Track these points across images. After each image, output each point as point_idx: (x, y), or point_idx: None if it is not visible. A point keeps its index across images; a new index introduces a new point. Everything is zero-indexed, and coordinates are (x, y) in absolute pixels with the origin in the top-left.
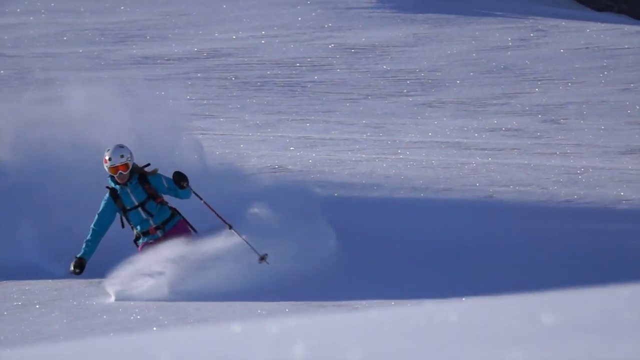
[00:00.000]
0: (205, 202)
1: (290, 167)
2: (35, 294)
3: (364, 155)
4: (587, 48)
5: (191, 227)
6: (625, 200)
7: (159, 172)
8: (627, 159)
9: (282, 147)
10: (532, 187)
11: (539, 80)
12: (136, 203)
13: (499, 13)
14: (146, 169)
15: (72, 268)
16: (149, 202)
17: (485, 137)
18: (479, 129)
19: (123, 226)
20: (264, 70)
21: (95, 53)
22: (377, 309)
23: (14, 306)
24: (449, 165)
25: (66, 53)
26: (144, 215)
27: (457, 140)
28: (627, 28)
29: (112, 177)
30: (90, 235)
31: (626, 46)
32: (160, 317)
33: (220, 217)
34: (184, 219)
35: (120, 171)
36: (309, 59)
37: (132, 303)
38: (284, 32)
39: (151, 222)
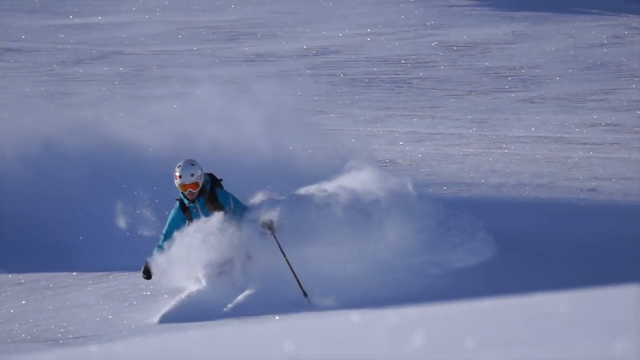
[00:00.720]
0: (287, 260)
1: (400, 161)
2: (163, 284)
3: (470, 150)
4: None
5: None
6: None
7: (228, 193)
8: None
9: (391, 141)
10: (634, 181)
11: (635, 76)
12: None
13: (594, 11)
14: (214, 186)
15: (142, 273)
16: None
17: (586, 132)
18: (580, 124)
19: None
20: (370, 67)
21: (209, 51)
22: (494, 300)
23: (142, 296)
24: (552, 159)
25: (181, 51)
26: None
27: (558, 135)
28: None
29: (182, 193)
30: (162, 241)
31: None
32: (279, 306)
33: (299, 283)
34: None
35: (189, 189)
36: (413, 56)
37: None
38: (389, 30)
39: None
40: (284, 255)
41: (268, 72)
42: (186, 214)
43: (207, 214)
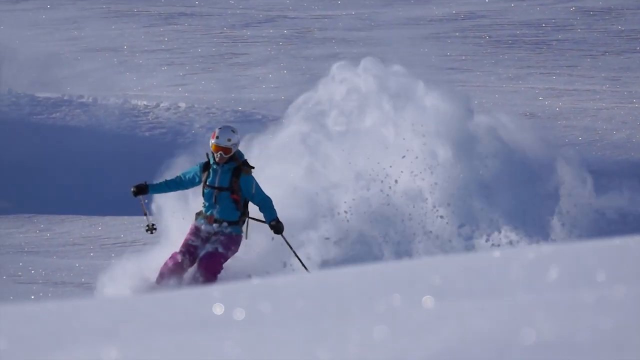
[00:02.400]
0: (294, 252)
1: (539, 114)
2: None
3: (603, 104)
4: None
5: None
6: None
7: (253, 175)
8: None
9: (531, 97)
10: None
11: None
12: (216, 185)
13: None
14: (245, 166)
15: (132, 187)
16: (224, 192)
17: None
18: None
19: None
20: (514, 30)
21: (366, 15)
22: (622, 238)
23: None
24: None
25: (340, 15)
26: (214, 200)
27: None
28: None
29: (212, 153)
30: (172, 179)
31: None
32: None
33: (302, 262)
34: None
35: (221, 152)
36: (553, 20)
37: None
38: None
39: (214, 211)
40: (297, 256)
41: (420, 34)
42: (204, 173)
43: (221, 183)
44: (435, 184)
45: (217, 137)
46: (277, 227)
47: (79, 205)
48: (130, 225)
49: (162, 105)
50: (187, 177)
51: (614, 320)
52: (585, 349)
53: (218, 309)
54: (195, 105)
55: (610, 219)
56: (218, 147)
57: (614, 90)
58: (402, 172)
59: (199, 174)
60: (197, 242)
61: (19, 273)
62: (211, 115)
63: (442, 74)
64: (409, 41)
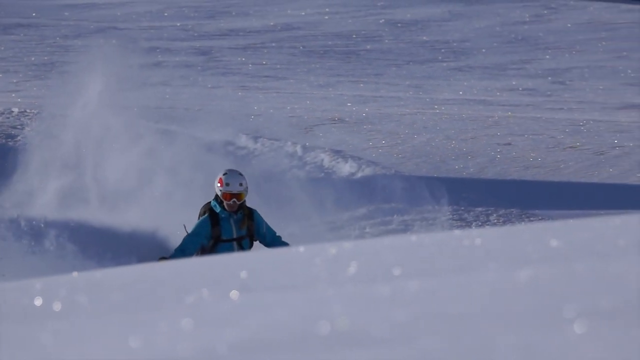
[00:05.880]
0: None
1: (347, 119)
2: None
3: (407, 110)
4: (589, 22)
5: None
6: (618, 147)
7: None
8: (621, 113)
9: (340, 103)
10: (543, 136)
11: (550, 48)
12: (235, 236)
13: None
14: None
15: None
16: (245, 240)
17: (506, 96)
18: (500, 88)
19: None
20: (326, 41)
21: (190, 26)
22: (418, 235)
23: None
24: (476, 118)
25: (166, 26)
26: (236, 250)
27: (482, 98)
28: (622, 6)
29: (219, 202)
30: (180, 245)
31: (621, 21)
32: None
33: None
34: None
35: (234, 199)
36: (363, 32)
37: None
38: (344, 9)
39: None
40: None
41: (239, 44)
42: (214, 229)
43: (239, 232)
44: None
45: (228, 185)
46: None
47: None
48: None
49: None
50: (194, 242)
51: (407, 313)
52: (379, 339)
53: (37, 301)
54: (27, 110)
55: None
56: (231, 195)
57: (417, 97)
58: None
59: (209, 231)
60: None
61: None
62: (42, 119)
63: (258, 82)
64: (229, 51)
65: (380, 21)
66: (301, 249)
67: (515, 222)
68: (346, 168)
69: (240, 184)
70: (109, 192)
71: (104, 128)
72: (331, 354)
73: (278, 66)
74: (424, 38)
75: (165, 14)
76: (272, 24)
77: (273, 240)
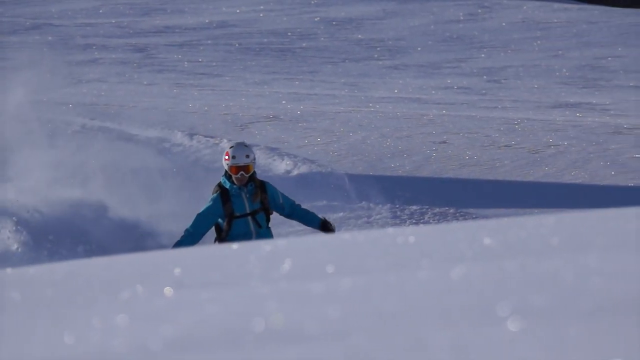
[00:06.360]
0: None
1: (282, 117)
2: None
3: (342, 108)
4: (523, 22)
5: None
6: (553, 146)
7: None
8: (555, 112)
9: (275, 100)
10: (478, 135)
11: (485, 47)
12: (248, 210)
13: None
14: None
15: None
16: (260, 213)
17: (440, 94)
18: (435, 87)
19: (218, 239)
20: (262, 38)
21: (125, 23)
22: (352, 233)
23: None
24: (411, 116)
25: (102, 23)
26: (251, 226)
27: (417, 96)
28: (556, 5)
29: (228, 177)
30: (184, 238)
31: (555, 20)
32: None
33: None
34: None
35: (242, 172)
36: (298, 29)
37: None
38: (279, 7)
39: (254, 237)
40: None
41: (174, 41)
42: (226, 206)
43: (252, 206)
44: None
45: (234, 157)
46: (331, 226)
47: None
48: None
49: None
50: (205, 221)
51: (341, 310)
52: (312, 336)
53: None
54: None
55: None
56: (238, 168)
57: (352, 95)
58: None
59: (220, 209)
60: None
61: None
62: None
63: (193, 79)
64: (164, 48)
65: (316, 19)
66: (235, 246)
67: (450, 221)
68: (282, 166)
69: (247, 156)
70: (43, 188)
71: (39, 124)
72: (265, 351)
73: (213, 63)
74: (359, 36)
75: (101, 11)
76: (207, 21)
77: (293, 210)
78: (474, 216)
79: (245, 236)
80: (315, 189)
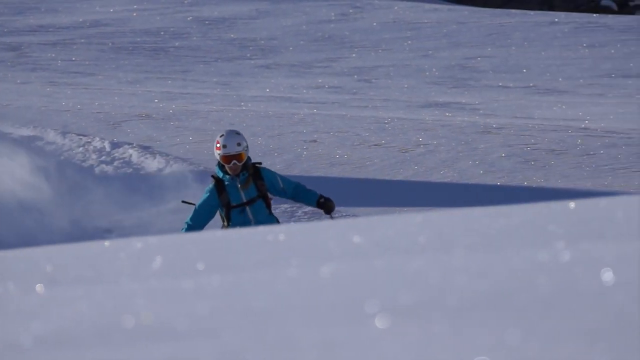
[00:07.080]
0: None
1: (154, 115)
2: None
3: (214, 107)
4: (394, 22)
5: None
6: (423, 145)
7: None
8: (425, 112)
9: (148, 99)
10: (349, 134)
11: (356, 47)
12: (244, 200)
13: None
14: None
15: None
16: (258, 201)
17: (312, 93)
18: (306, 86)
19: (224, 224)
20: (135, 38)
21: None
22: (222, 231)
23: None
24: (282, 115)
25: None
26: (250, 215)
27: (289, 95)
28: (426, 6)
29: (221, 167)
30: (189, 218)
31: (425, 21)
32: None
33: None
34: None
35: (234, 161)
36: (171, 29)
37: None
38: (152, 6)
39: (254, 226)
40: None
41: (48, 40)
42: (222, 196)
43: (248, 195)
44: None
45: (225, 146)
46: (329, 204)
47: None
48: None
49: None
50: (204, 213)
51: (210, 307)
52: (183, 333)
53: None
54: None
55: None
56: (229, 157)
57: (225, 94)
58: None
59: (216, 200)
60: None
61: None
62: None
63: (67, 77)
64: (38, 47)
65: (188, 18)
66: (106, 243)
67: (321, 219)
68: (154, 164)
69: (239, 144)
70: None
71: None
72: (135, 348)
73: (87, 62)
74: (232, 35)
75: None
76: (80, 20)
77: (296, 192)
78: (343, 214)
79: (245, 225)
80: (187, 187)
